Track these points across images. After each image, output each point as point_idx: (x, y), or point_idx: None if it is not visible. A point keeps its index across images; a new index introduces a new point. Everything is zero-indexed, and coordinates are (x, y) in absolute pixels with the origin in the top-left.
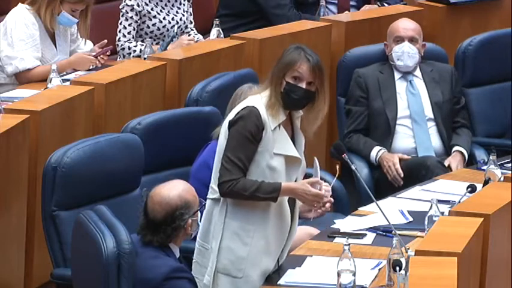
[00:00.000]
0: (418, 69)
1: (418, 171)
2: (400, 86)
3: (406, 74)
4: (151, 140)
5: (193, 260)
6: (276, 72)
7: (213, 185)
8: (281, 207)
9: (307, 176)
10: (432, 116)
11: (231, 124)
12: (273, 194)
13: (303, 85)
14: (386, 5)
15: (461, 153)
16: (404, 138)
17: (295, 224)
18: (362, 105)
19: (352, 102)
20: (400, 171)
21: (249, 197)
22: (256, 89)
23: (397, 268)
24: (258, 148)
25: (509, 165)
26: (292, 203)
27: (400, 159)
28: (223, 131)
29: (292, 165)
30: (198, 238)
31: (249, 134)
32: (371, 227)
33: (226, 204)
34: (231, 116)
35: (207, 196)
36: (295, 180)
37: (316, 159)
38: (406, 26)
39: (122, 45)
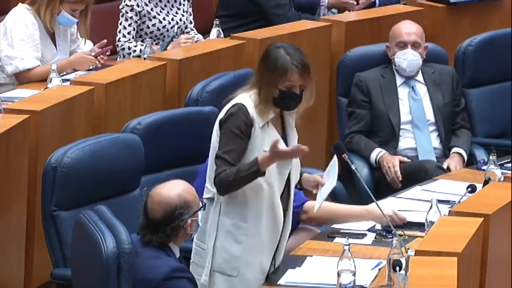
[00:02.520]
0: (419, 72)
1: (417, 174)
2: (402, 91)
3: (408, 78)
4: (152, 140)
5: (191, 260)
6: (266, 80)
7: (208, 184)
8: (273, 205)
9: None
10: (433, 120)
11: (222, 123)
12: (254, 168)
13: (297, 90)
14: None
15: (460, 154)
16: (405, 143)
17: (289, 221)
18: (365, 109)
19: (354, 105)
20: (399, 174)
21: (235, 179)
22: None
23: (397, 268)
24: (248, 145)
25: (509, 165)
26: (285, 200)
27: (400, 162)
28: (215, 129)
29: (281, 161)
30: (194, 238)
31: (237, 130)
32: (371, 228)
33: (220, 203)
34: (221, 114)
35: (203, 196)
36: (289, 175)
37: (335, 157)
38: (409, 30)
39: (121, 45)
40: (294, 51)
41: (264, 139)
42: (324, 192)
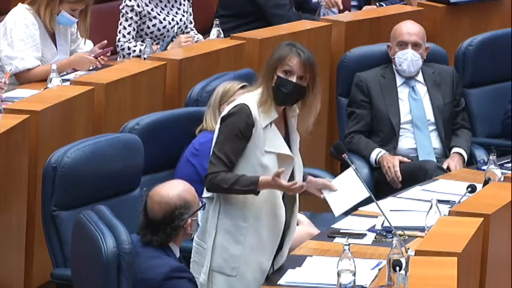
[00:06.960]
0: (420, 72)
1: (417, 175)
2: (403, 91)
3: (408, 79)
4: (150, 140)
5: (191, 259)
6: (267, 67)
7: None
8: (275, 206)
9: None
10: (433, 120)
11: (222, 120)
12: (250, 187)
13: (294, 79)
14: (384, 5)
15: (460, 154)
16: (405, 143)
17: (294, 223)
18: (365, 109)
19: (355, 105)
20: (399, 174)
21: (229, 189)
22: (249, 87)
23: (397, 268)
24: (247, 145)
25: (509, 165)
26: (288, 201)
27: (400, 162)
28: (217, 128)
29: (284, 163)
30: (195, 237)
31: (237, 130)
32: (371, 228)
33: (220, 203)
34: (224, 113)
35: (203, 195)
36: (292, 177)
37: (352, 166)
38: (410, 30)
39: (121, 45)
40: (303, 47)
41: (266, 140)
42: (344, 198)
